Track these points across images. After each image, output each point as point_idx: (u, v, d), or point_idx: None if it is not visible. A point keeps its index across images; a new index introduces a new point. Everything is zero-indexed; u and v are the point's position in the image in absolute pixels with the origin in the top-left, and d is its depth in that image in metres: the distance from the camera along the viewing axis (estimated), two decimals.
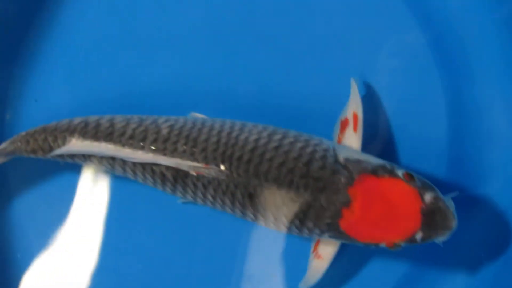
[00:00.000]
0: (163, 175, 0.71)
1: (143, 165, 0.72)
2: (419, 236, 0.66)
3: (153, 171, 0.71)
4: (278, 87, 0.78)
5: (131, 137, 0.72)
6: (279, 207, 0.68)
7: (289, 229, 0.70)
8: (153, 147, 0.71)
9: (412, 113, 0.77)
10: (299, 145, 0.69)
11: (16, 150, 0.76)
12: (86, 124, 0.74)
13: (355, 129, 0.72)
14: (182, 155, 0.70)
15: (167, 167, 0.71)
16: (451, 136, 0.77)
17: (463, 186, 0.76)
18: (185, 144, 0.70)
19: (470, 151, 0.76)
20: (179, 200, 0.75)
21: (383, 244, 0.68)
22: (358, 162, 0.68)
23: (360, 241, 0.68)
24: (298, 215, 0.68)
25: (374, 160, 0.69)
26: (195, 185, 0.70)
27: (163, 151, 0.71)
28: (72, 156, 0.74)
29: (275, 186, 0.68)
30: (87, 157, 0.74)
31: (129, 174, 0.73)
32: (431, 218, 0.66)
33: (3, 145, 0.76)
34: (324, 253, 0.73)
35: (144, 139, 0.72)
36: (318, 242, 0.73)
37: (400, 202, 0.67)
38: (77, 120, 0.75)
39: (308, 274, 0.73)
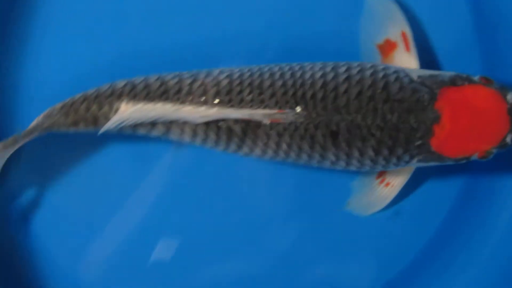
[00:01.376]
0: (229, 131, 0.65)
1: (207, 122, 0.65)
2: (509, 138, 0.65)
3: (218, 128, 0.65)
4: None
5: (189, 92, 0.65)
6: (366, 139, 0.64)
7: (374, 162, 0.65)
8: (216, 101, 0.64)
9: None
10: (367, 72, 0.65)
11: (54, 125, 0.67)
12: (134, 86, 0.66)
13: (407, 48, 0.69)
14: (251, 104, 0.64)
15: (236, 121, 0.64)
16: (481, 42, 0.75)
17: None
18: (251, 92, 0.65)
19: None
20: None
21: (475, 155, 0.65)
22: (432, 77, 0.65)
23: (452, 158, 0.65)
24: (387, 143, 0.64)
25: (445, 73, 0.66)
26: (268, 135, 0.64)
27: (229, 104, 0.64)
28: (120, 128, 0.66)
29: (359, 117, 0.63)
30: (137, 128, 0.66)
31: (187, 135, 0.66)
32: None
33: (36, 121, 0.67)
34: (395, 181, 0.70)
35: (205, 93, 0.65)
36: (385, 171, 0.70)
37: (486, 107, 0.65)
38: (120, 83, 0.67)
39: (373, 200, 0.71)
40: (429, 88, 0.64)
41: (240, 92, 0.65)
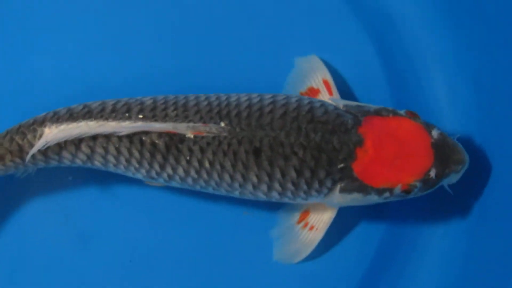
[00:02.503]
0: (153, 146, 0.65)
1: (131, 138, 0.65)
2: (433, 172, 0.65)
3: (141, 143, 0.65)
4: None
5: (113, 110, 0.66)
6: (288, 158, 0.64)
7: (296, 187, 0.65)
8: (140, 116, 0.65)
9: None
10: (293, 99, 0.67)
11: None
12: (56, 112, 0.67)
13: (330, 93, 0.71)
14: (175, 119, 0.65)
15: (160, 135, 0.65)
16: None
17: None
18: (175, 109, 0.66)
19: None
20: (147, 182, 0.69)
21: (398, 188, 0.65)
22: (358, 106, 0.67)
23: (374, 187, 0.65)
24: (309, 164, 0.64)
25: (371, 105, 0.68)
26: (190, 150, 0.64)
27: (153, 119, 0.65)
28: (46, 154, 0.66)
29: (282, 134, 0.64)
30: (62, 152, 0.66)
31: (111, 156, 0.66)
32: (443, 152, 0.65)
33: None
34: (318, 223, 0.69)
35: (128, 111, 0.66)
36: (306, 213, 0.70)
37: (410, 138, 0.65)
38: (41, 114, 0.67)
39: (298, 247, 0.69)
40: (354, 115, 0.66)
41: (165, 109, 0.65)
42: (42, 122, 0.66)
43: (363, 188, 0.65)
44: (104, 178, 0.71)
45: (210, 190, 0.67)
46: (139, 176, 0.67)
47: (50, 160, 0.67)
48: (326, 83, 0.71)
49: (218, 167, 0.65)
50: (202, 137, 0.64)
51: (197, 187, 0.67)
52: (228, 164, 0.65)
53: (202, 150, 0.64)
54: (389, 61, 0.75)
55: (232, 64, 0.74)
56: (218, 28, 0.75)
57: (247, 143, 0.64)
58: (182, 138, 0.64)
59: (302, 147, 0.64)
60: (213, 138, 0.64)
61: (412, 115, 0.66)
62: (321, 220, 0.69)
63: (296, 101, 0.66)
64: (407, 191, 0.65)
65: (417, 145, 0.65)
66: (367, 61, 0.75)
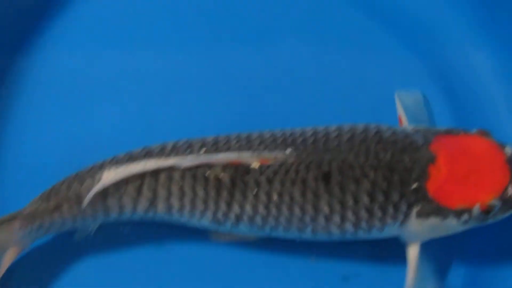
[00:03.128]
0: (218, 181, 0.62)
1: (194, 175, 0.62)
2: (511, 190, 0.62)
3: (205, 179, 0.62)
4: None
5: (173, 148, 0.64)
6: (359, 181, 0.61)
7: (370, 214, 0.62)
8: (203, 150, 0.63)
9: None
10: (360, 125, 0.65)
11: (36, 215, 0.63)
12: (115, 157, 0.64)
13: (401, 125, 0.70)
14: (239, 150, 0.62)
15: (224, 168, 0.62)
16: None
17: None
18: (238, 142, 0.63)
19: None
20: (214, 237, 0.66)
21: (477, 208, 0.62)
22: (427, 128, 0.65)
23: (452, 209, 0.62)
24: (382, 186, 0.61)
25: (441, 127, 0.66)
26: (257, 182, 0.62)
27: (215, 152, 0.62)
28: (105, 202, 0.63)
29: (351, 155, 0.62)
30: (123, 198, 0.63)
31: (174, 198, 0.63)
32: None
33: (18, 213, 0.64)
34: (409, 266, 0.65)
35: (190, 147, 0.63)
36: None
37: (484, 155, 0.63)
38: (100, 161, 0.65)
39: None
40: (423, 134, 0.64)
41: (227, 142, 0.63)
42: (101, 167, 0.64)
43: (440, 211, 0.62)
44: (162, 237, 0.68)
45: (280, 231, 0.64)
46: (205, 222, 0.64)
47: (110, 209, 0.63)
48: (399, 118, 0.70)
49: (287, 198, 0.62)
50: (268, 167, 0.62)
51: (267, 229, 0.64)
52: (297, 194, 0.61)
53: (269, 181, 0.61)
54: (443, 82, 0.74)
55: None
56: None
57: (315, 168, 0.61)
58: (247, 170, 0.62)
59: (372, 168, 0.61)
60: (280, 166, 0.62)
61: (484, 133, 0.64)
62: (410, 262, 0.65)
63: (363, 125, 0.64)
64: (486, 212, 0.62)
65: (491, 162, 0.62)
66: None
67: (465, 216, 0.62)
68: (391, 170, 0.61)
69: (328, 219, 0.62)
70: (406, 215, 0.62)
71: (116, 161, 0.63)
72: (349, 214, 0.62)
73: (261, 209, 0.62)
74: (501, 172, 0.62)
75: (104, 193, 0.63)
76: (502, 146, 0.63)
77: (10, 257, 0.65)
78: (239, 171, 0.62)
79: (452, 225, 0.63)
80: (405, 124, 0.69)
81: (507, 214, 0.64)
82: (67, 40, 0.74)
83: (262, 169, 0.62)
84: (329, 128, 0.64)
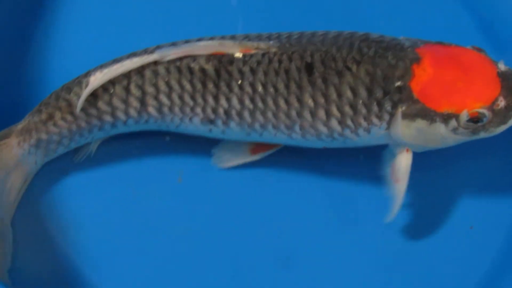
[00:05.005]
0: (203, 72, 0.63)
1: (179, 68, 0.63)
2: (502, 102, 0.61)
3: (190, 71, 0.63)
4: None
5: (156, 47, 0.64)
6: (342, 74, 0.61)
7: (355, 110, 0.61)
8: (186, 43, 0.64)
9: None
10: (347, 31, 0.65)
11: (30, 129, 0.64)
12: (101, 65, 0.65)
13: None
14: (222, 40, 0.63)
15: (208, 59, 0.63)
16: None
17: None
18: (223, 38, 0.64)
19: None
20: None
21: (464, 114, 0.60)
22: (419, 39, 0.64)
23: (437, 111, 0.61)
24: (364, 81, 0.61)
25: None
26: (241, 72, 0.62)
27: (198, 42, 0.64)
28: (97, 106, 0.64)
29: (334, 48, 0.62)
30: (112, 99, 0.64)
31: (163, 96, 0.63)
32: (511, 84, 0.61)
33: (11, 129, 0.65)
34: (400, 174, 0.63)
35: (173, 44, 0.64)
36: (392, 172, 0.64)
37: (474, 66, 0.62)
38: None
39: (394, 202, 0.63)
40: (412, 41, 0.63)
41: (211, 39, 0.64)
42: (87, 74, 0.64)
43: (426, 113, 0.61)
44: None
45: (270, 130, 0.63)
46: (196, 120, 0.64)
47: (103, 114, 0.64)
48: None
49: (271, 90, 0.62)
50: (252, 56, 0.62)
51: (257, 127, 0.63)
52: (281, 86, 0.62)
53: (252, 71, 0.62)
54: None
55: None
56: None
57: (298, 59, 0.62)
58: (231, 60, 0.62)
59: (355, 62, 0.61)
60: (263, 56, 0.62)
61: (478, 49, 0.63)
62: (401, 170, 0.63)
63: (351, 31, 0.64)
64: (475, 120, 0.61)
65: (482, 73, 0.61)
66: None
67: (453, 122, 0.61)
68: (374, 65, 0.61)
69: (313, 114, 0.62)
70: (391, 115, 0.61)
71: (101, 66, 0.64)
72: (334, 109, 0.61)
73: (247, 102, 0.62)
74: (492, 84, 0.61)
75: (94, 97, 0.64)
76: (495, 62, 0.62)
77: (20, 179, 0.65)
78: (223, 61, 0.63)
79: (441, 133, 0.62)
80: None
81: (498, 130, 0.62)
82: None
83: (245, 58, 0.62)
84: (318, 31, 0.65)
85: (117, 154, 0.69)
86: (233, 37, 0.64)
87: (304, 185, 0.68)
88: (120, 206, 0.67)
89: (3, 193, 0.64)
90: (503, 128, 0.62)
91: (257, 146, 0.66)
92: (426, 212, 0.68)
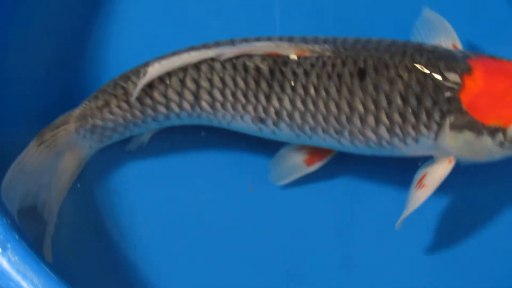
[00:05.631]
0: (257, 71, 0.64)
1: (234, 64, 0.65)
2: None
3: (245, 69, 0.64)
4: None
5: (216, 44, 0.66)
6: (393, 81, 0.63)
7: (403, 118, 0.62)
8: (244, 42, 0.66)
9: None
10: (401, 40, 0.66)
11: (86, 113, 0.66)
12: (160, 57, 0.67)
13: None
14: (279, 41, 0.65)
15: (263, 58, 0.64)
16: None
17: None
18: (280, 39, 0.66)
19: None
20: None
21: (511, 129, 0.61)
22: (472, 51, 0.66)
23: (486, 124, 0.62)
24: (415, 90, 0.62)
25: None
26: (295, 74, 0.64)
27: (257, 41, 0.65)
28: (152, 97, 0.66)
29: (387, 55, 0.63)
30: (168, 91, 0.65)
31: (216, 90, 0.65)
32: None
33: (69, 115, 0.67)
34: (430, 180, 0.64)
35: (231, 42, 0.66)
36: (423, 176, 0.64)
37: None
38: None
39: (407, 207, 0.64)
40: (464, 52, 0.64)
41: (268, 39, 0.66)
42: (145, 64, 0.66)
43: (474, 125, 0.62)
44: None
45: (320, 133, 0.65)
46: (247, 118, 0.65)
47: (157, 105, 0.66)
48: (455, 47, 0.68)
49: (323, 93, 0.63)
50: (306, 59, 0.64)
51: (307, 130, 0.65)
52: (333, 90, 0.63)
53: (306, 73, 0.64)
54: None
55: None
56: None
57: (351, 64, 0.63)
58: (285, 60, 0.64)
59: (407, 70, 0.63)
60: (317, 59, 0.64)
61: None
62: (432, 177, 0.64)
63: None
64: None
65: None
66: None
67: (499, 136, 0.62)
68: (425, 74, 0.62)
69: (362, 120, 0.63)
70: (440, 126, 0.62)
71: (160, 57, 0.66)
72: (383, 116, 0.63)
73: (298, 103, 0.64)
74: None
75: (150, 87, 0.66)
76: None
77: (74, 162, 0.67)
78: (278, 62, 0.64)
79: (487, 146, 0.62)
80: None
81: None
82: None
83: (300, 60, 0.64)
84: (373, 38, 0.66)
85: (168, 147, 0.70)
86: (290, 39, 0.65)
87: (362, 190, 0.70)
88: (171, 199, 0.69)
89: (55, 176, 0.66)
90: None
91: (312, 156, 0.67)
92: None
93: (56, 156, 0.66)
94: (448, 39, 0.68)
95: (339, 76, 0.63)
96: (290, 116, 0.64)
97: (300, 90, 0.64)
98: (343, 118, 0.63)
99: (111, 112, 0.66)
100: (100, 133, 0.67)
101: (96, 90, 0.67)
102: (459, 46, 0.68)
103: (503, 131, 0.62)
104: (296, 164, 0.68)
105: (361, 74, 0.63)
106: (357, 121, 0.63)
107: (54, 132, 0.65)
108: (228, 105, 0.65)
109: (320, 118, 0.64)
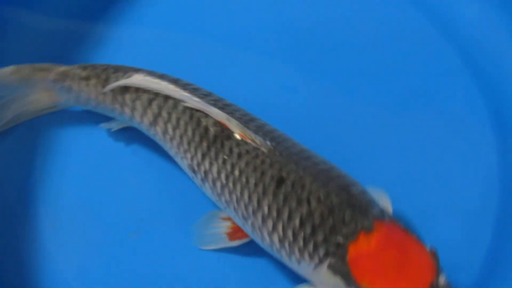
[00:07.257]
0: (206, 131, 0.70)
1: (192, 115, 0.70)
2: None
3: (198, 123, 0.70)
4: None
5: (196, 89, 0.72)
6: (301, 203, 0.66)
7: (294, 238, 0.66)
8: (212, 102, 0.71)
9: None
10: (344, 173, 0.69)
11: (69, 75, 0.75)
12: (152, 72, 0.74)
13: None
14: (237, 119, 0.70)
15: (215, 123, 0.69)
16: None
17: None
18: (243, 116, 0.71)
19: None
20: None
21: None
22: (392, 214, 0.67)
23: (357, 282, 0.63)
24: (314, 221, 0.65)
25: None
26: (231, 150, 0.69)
27: (221, 109, 0.70)
28: (123, 102, 0.73)
29: (310, 178, 0.66)
30: (136, 102, 0.73)
31: (170, 126, 0.71)
32: None
33: (55, 66, 0.76)
34: None
35: (208, 95, 0.72)
36: None
37: (416, 264, 0.63)
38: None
39: None
40: (383, 212, 0.66)
41: (235, 110, 0.71)
42: (137, 70, 0.73)
43: (348, 278, 0.64)
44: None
45: (232, 210, 0.69)
46: (184, 163, 0.72)
47: (124, 106, 0.73)
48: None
49: (243, 179, 0.68)
50: (246, 143, 0.68)
51: (223, 200, 0.70)
52: (252, 181, 0.67)
53: (239, 156, 0.68)
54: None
55: None
56: None
57: (276, 169, 0.67)
58: (229, 135, 0.69)
59: (317, 200, 0.65)
60: (254, 149, 0.68)
61: (433, 254, 0.64)
62: None
63: (346, 174, 0.68)
64: None
65: (416, 276, 0.63)
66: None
67: None
68: (330, 213, 0.65)
69: (264, 220, 0.67)
70: (320, 261, 0.65)
71: (150, 73, 0.73)
72: (280, 227, 0.66)
73: (222, 176, 0.69)
74: (418, 286, 0.63)
75: (127, 88, 0.73)
76: (439, 271, 0.63)
77: (47, 99, 0.76)
78: (224, 133, 0.69)
79: None
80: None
81: None
82: None
83: (240, 142, 0.69)
84: (318, 156, 0.69)
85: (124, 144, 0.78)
86: (251, 118, 0.70)
87: None
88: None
89: (21, 100, 0.76)
90: None
91: (234, 232, 0.71)
92: None
93: (26, 88, 0.75)
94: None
95: (262, 173, 0.67)
96: (214, 182, 0.70)
97: (228, 166, 0.68)
98: (250, 209, 0.68)
99: (87, 88, 0.74)
100: (74, 97, 0.75)
101: (92, 62, 0.76)
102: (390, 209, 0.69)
103: None
104: (218, 235, 0.72)
105: (280, 181, 0.67)
106: (259, 218, 0.67)
107: (34, 72, 0.75)
108: (175, 143, 0.72)
109: (234, 197, 0.69)
